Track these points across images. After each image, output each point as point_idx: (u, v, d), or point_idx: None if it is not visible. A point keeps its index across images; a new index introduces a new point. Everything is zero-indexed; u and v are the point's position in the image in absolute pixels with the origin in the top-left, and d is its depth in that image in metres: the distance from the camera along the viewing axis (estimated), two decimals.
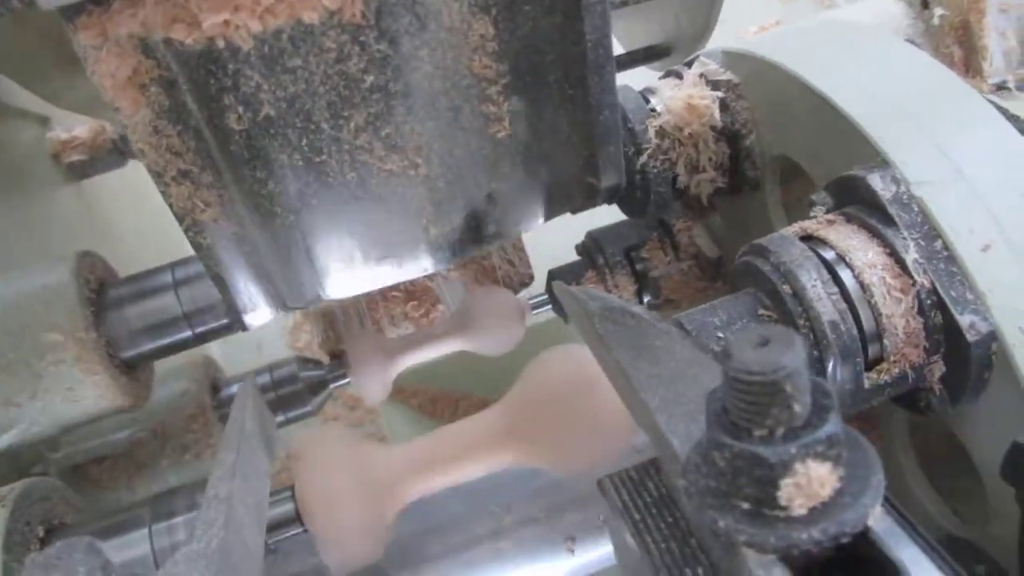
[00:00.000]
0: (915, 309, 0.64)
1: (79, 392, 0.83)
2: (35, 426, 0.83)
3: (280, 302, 0.66)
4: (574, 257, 1.06)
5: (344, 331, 1.00)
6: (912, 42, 0.99)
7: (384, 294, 1.02)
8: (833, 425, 0.34)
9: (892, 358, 0.64)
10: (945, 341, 0.64)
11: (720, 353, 0.35)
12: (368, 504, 0.64)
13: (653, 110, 0.89)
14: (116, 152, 1.30)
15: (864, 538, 0.34)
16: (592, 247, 1.02)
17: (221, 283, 0.64)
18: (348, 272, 0.63)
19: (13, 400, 0.81)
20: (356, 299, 0.98)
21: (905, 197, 0.66)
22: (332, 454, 0.66)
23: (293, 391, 1.08)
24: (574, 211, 0.69)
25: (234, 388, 1.14)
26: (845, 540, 0.34)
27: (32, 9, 0.45)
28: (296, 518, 0.65)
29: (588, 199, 0.68)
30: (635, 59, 1.06)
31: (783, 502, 0.34)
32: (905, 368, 0.65)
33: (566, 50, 0.57)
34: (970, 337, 0.61)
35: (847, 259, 0.66)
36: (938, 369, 0.65)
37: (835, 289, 0.65)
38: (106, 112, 1.18)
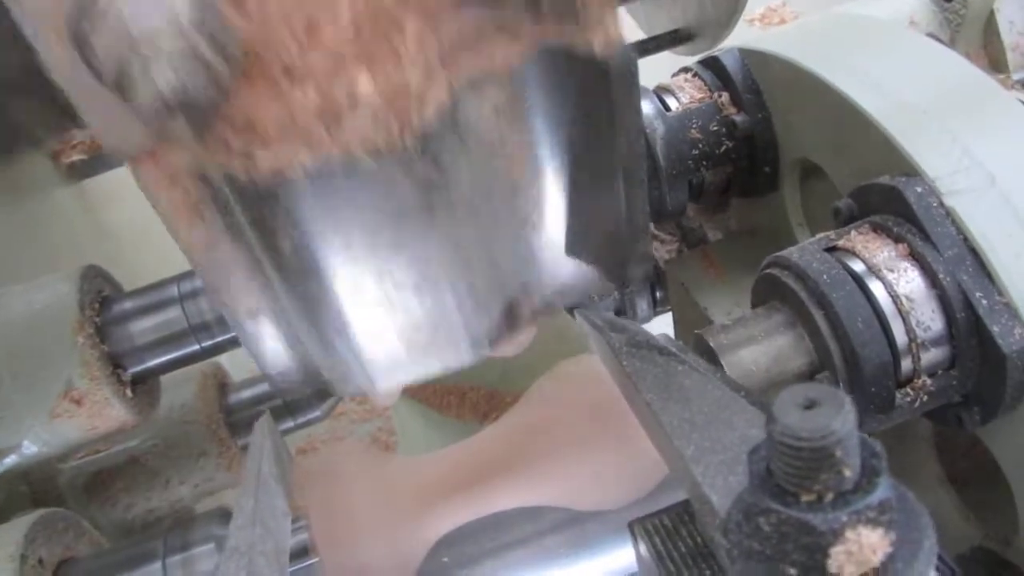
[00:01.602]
0: (948, 322, 0.62)
1: (84, 410, 0.81)
2: (42, 445, 0.82)
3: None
4: None
5: None
6: (934, 36, 0.96)
7: None
8: (885, 490, 0.32)
9: (925, 374, 0.62)
10: (979, 354, 0.61)
11: (766, 416, 0.33)
12: (391, 542, 0.62)
13: (668, 109, 0.86)
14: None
15: None
16: None
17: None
18: (390, 367, 0.64)
19: (17, 420, 0.80)
20: None
21: (935, 206, 0.63)
22: (350, 480, 0.64)
23: (302, 396, 1.07)
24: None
25: (243, 394, 1.12)
26: None
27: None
28: (310, 549, 0.64)
29: (618, 285, 0.69)
30: (659, 44, 1.03)
31: (833, 570, 0.32)
32: (938, 383, 0.63)
33: (599, 156, 0.58)
34: (1005, 349, 0.59)
35: (877, 273, 0.64)
36: (972, 383, 0.63)
37: (865, 304, 0.63)
38: None
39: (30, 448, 0.83)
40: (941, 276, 0.62)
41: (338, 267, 0.55)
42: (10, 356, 0.78)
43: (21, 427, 0.81)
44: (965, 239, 0.62)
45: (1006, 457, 0.66)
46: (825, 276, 0.64)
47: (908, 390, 0.63)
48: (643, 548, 0.44)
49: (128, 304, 0.85)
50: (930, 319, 0.62)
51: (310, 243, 0.52)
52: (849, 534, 0.32)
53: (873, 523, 0.32)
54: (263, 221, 0.51)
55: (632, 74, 0.53)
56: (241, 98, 0.43)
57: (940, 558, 0.34)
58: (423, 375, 0.65)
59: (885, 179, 0.66)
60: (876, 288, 0.63)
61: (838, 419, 0.31)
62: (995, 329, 0.60)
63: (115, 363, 0.83)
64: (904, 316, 0.62)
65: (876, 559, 0.32)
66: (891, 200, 0.66)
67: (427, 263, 0.56)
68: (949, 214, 0.63)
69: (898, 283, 0.63)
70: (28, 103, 0.49)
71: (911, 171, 0.66)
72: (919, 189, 0.64)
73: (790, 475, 0.32)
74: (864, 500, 0.32)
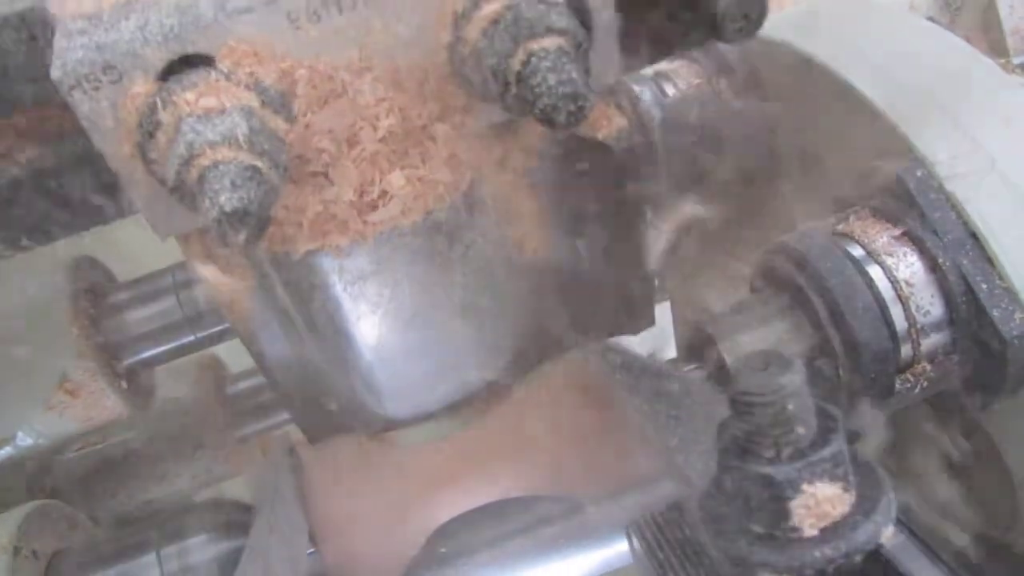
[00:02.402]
0: (948, 307, 0.61)
1: (79, 402, 0.81)
2: (36, 437, 0.81)
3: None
4: None
5: None
6: (933, 20, 0.95)
7: None
8: (837, 445, 0.34)
9: (925, 359, 0.62)
10: (979, 339, 0.61)
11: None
12: (389, 531, 0.62)
13: (666, 95, 0.86)
14: None
15: (877, 556, 0.34)
16: None
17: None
18: (410, 401, 0.67)
19: (11, 412, 0.80)
20: None
21: (935, 190, 0.63)
22: (347, 472, 0.64)
23: None
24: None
25: (240, 386, 1.12)
26: (858, 558, 0.33)
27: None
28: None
29: (618, 332, 0.72)
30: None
31: (795, 523, 0.34)
32: (938, 369, 0.62)
33: (604, 224, 0.64)
34: (1006, 334, 0.58)
35: (877, 258, 0.63)
36: (972, 368, 0.62)
37: (865, 289, 0.62)
38: None
39: (24, 440, 0.82)
40: (941, 261, 0.61)
41: (364, 321, 0.58)
42: (3, 348, 0.78)
43: (15, 419, 0.81)
44: (965, 224, 0.61)
45: (1007, 443, 0.66)
46: (824, 261, 0.63)
47: (908, 376, 0.63)
48: (636, 543, 0.45)
49: (122, 295, 0.85)
50: (930, 304, 0.62)
51: (338, 304, 0.56)
52: (806, 487, 0.34)
53: (829, 476, 0.34)
54: (297, 287, 0.55)
55: (636, 159, 0.60)
56: (284, 195, 0.47)
57: (900, 520, 0.36)
58: (435, 408, 0.68)
59: (884, 162, 0.65)
60: (875, 273, 0.63)
61: (787, 376, 0.34)
62: (995, 314, 0.59)
63: (110, 354, 0.83)
64: (904, 301, 0.62)
65: (835, 512, 0.34)
66: (891, 185, 0.65)
67: (446, 314, 0.60)
68: (949, 199, 0.62)
69: (897, 268, 0.62)
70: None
71: (911, 156, 0.65)
72: (919, 173, 0.63)
73: (750, 433, 0.35)
74: (819, 454, 0.34)
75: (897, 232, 0.64)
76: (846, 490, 0.35)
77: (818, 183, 0.84)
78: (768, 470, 0.34)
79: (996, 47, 0.99)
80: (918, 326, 0.62)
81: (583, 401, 0.66)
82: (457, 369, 0.64)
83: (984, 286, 0.60)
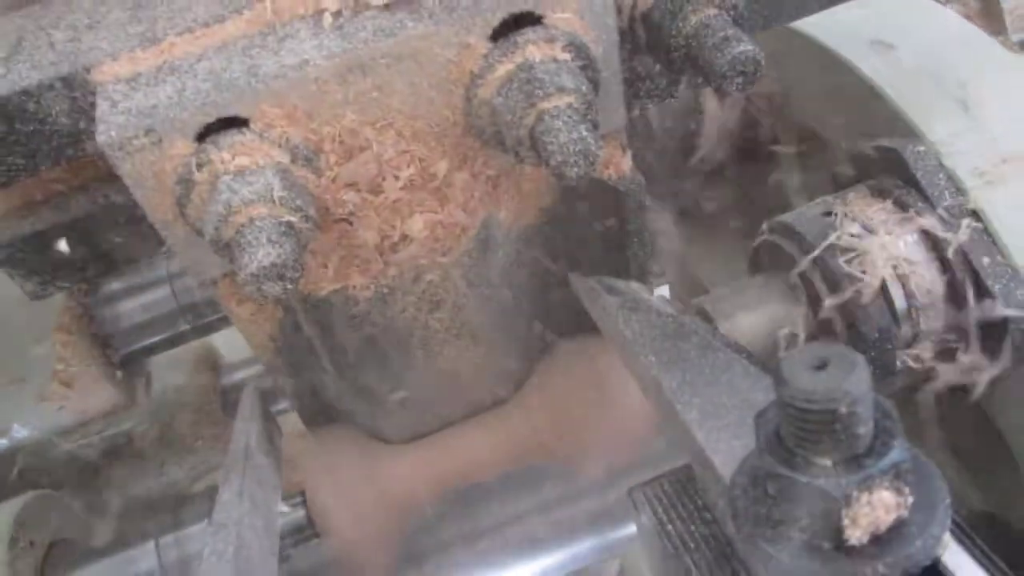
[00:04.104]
0: (948, 283, 0.61)
1: (74, 392, 0.80)
2: (32, 429, 0.80)
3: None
4: None
5: None
6: None
7: None
8: (899, 452, 0.31)
9: (926, 338, 0.62)
10: (981, 315, 0.60)
11: (774, 377, 0.32)
12: (386, 513, 0.61)
13: None
14: None
15: (934, 571, 0.32)
16: None
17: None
18: (420, 425, 0.69)
19: (6, 403, 0.79)
20: None
21: (935, 167, 0.62)
22: (346, 460, 0.63)
23: None
24: None
25: (236, 375, 1.11)
26: (912, 570, 0.31)
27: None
28: (307, 525, 0.63)
29: None
30: None
31: (845, 537, 0.31)
32: (939, 347, 0.62)
33: (612, 259, 0.66)
34: (1006, 310, 0.58)
35: (876, 235, 0.62)
36: (974, 346, 0.62)
37: (863, 269, 0.62)
38: None
39: (20, 432, 0.81)
40: (940, 237, 0.61)
41: (382, 355, 0.62)
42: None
43: (10, 411, 0.80)
44: (965, 200, 0.61)
45: (1008, 423, 0.66)
46: (823, 241, 0.63)
47: (909, 354, 0.62)
48: (644, 517, 0.44)
49: (116, 285, 0.84)
50: (930, 282, 0.61)
51: (362, 340, 0.59)
52: (863, 497, 0.31)
53: (887, 487, 0.31)
54: (322, 323, 0.58)
55: (640, 194, 0.61)
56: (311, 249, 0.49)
57: (956, 523, 0.33)
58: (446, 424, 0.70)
59: (884, 141, 0.65)
60: (875, 248, 0.62)
61: (851, 379, 0.30)
62: (996, 289, 0.59)
63: (104, 344, 0.82)
64: (903, 280, 0.61)
65: (888, 521, 0.31)
66: (890, 162, 0.64)
67: (460, 339, 0.62)
68: (949, 176, 0.62)
69: (897, 246, 0.62)
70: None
71: (910, 133, 0.65)
72: (917, 149, 0.63)
73: (800, 438, 0.31)
74: (878, 464, 0.31)
75: (895, 209, 0.63)
76: (904, 498, 0.32)
77: (817, 162, 0.84)
78: (821, 482, 0.31)
79: (994, 26, 0.98)
80: (919, 304, 0.61)
81: (586, 392, 0.66)
82: (469, 394, 0.67)
83: (985, 261, 0.60)
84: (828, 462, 0.31)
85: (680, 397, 0.42)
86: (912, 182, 0.63)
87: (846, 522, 0.31)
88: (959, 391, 0.65)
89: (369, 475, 0.63)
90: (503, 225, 0.58)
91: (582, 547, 0.74)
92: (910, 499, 0.32)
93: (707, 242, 0.94)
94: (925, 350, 0.62)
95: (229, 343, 1.26)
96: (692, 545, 0.41)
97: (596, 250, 0.64)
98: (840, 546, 0.32)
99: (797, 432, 0.31)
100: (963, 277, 0.60)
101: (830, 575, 0.31)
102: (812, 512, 0.32)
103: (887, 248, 0.62)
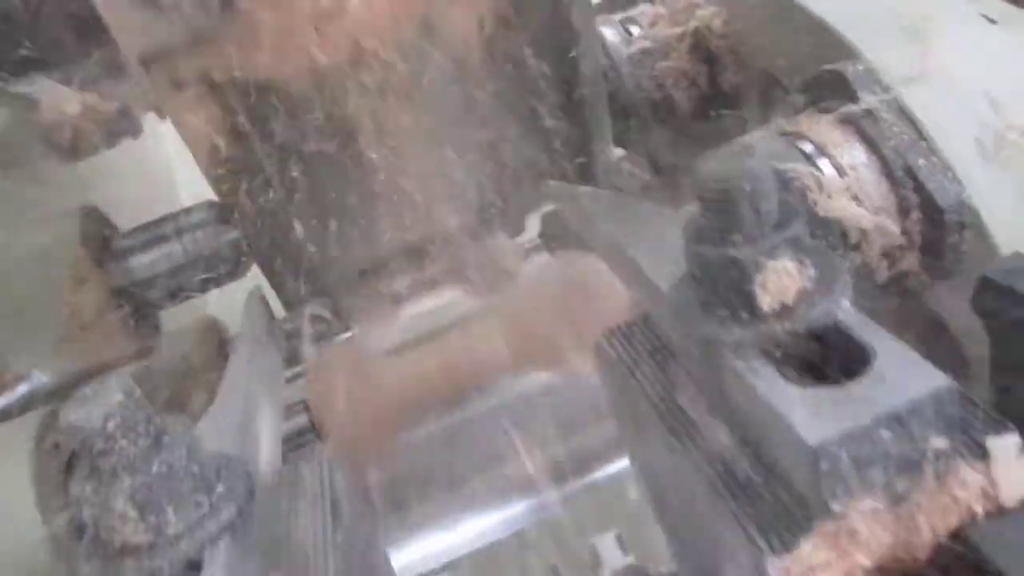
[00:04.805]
0: (891, 188, 0.67)
1: (90, 341, 0.85)
2: (51, 376, 0.85)
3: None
4: None
5: None
6: None
7: None
8: (799, 226, 0.37)
9: (871, 237, 0.67)
10: (921, 213, 0.66)
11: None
12: (382, 412, 0.66)
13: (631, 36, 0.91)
14: (110, 131, 1.32)
15: (836, 330, 0.37)
16: None
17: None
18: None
19: (26, 352, 0.84)
20: None
21: (874, 82, 0.68)
22: (344, 363, 0.68)
23: (299, 345, 1.10)
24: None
25: None
26: (817, 330, 0.36)
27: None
28: (309, 428, 0.68)
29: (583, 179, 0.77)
30: None
31: (757, 302, 0.37)
32: (885, 246, 0.67)
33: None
34: (942, 203, 0.63)
35: (824, 149, 0.68)
36: (918, 243, 0.67)
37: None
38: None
39: (40, 379, 0.86)
40: (881, 145, 0.66)
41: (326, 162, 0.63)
42: (17, 291, 0.82)
43: (30, 358, 0.85)
44: (902, 110, 0.67)
45: (955, 320, 0.71)
46: (780, 156, 0.68)
47: (858, 255, 0.67)
48: (603, 355, 0.49)
49: (127, 240, 0.90)
50: (874, 186, 0.67)
51: (303, 136, 0.60)
52: (769, 264, 0.36)
53: (789, 256, 0.37)
54: (263, 119, 0.59)
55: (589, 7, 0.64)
56: (244, 10, 0.51)
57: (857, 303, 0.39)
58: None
59: (829, 66, 0.71)
60: (824, 164, 0.68)
61: (751, 161, 0.36)
62: (931, 186, 0.64)
63: (118, 295, 0.87)
64: (848, 186, 0.67)
65: (794, 288, 0.37)
66: (837, 85, 0.70)
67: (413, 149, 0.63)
68: (887, 89, 0.68)
69: (842, 156, 0.67)
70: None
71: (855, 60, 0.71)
72: (859, 68, 0.69)
73: (714, 221, 0.37)
74: (781, 235, 0.37)
75: (843, 126, 0.69)
76: (804, 269, 0.37)
77: (778, 105, 0.90)
78: (731, 251, 0.37)
79: None
80: (864, 207, 0.67)
81: (567, 297, 0.71)
82: (432, 215, 0.69)
83: (922, 162, 0.65)
84: (739, 238, 0.37)
85: (632, 246, 0.48)
86: (854, 99, 0.69)
87: (757, 289, 0.36)
88: (912, 297, 0.70)
89: (366, 379, 0.68)
90: (448, 21, 0.59)
91: (569, 488, 0.79)
92: (812, 271, 0.37)
93: (677, 195, 1.00)
94: (873, 251, 0.68)
95: (234, 315, 1.32)
96: (646, 368, 0.46)
97: (550, 83, 0.66)
98: (756, 314, 0.37)
99: (713, 217, 0.37)
100: (902, 177, 0.66)
101: (750, 337, 0.37)
102: (730, 284, 0.37)
103: (833, 159, 0.68)
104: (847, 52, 0.71)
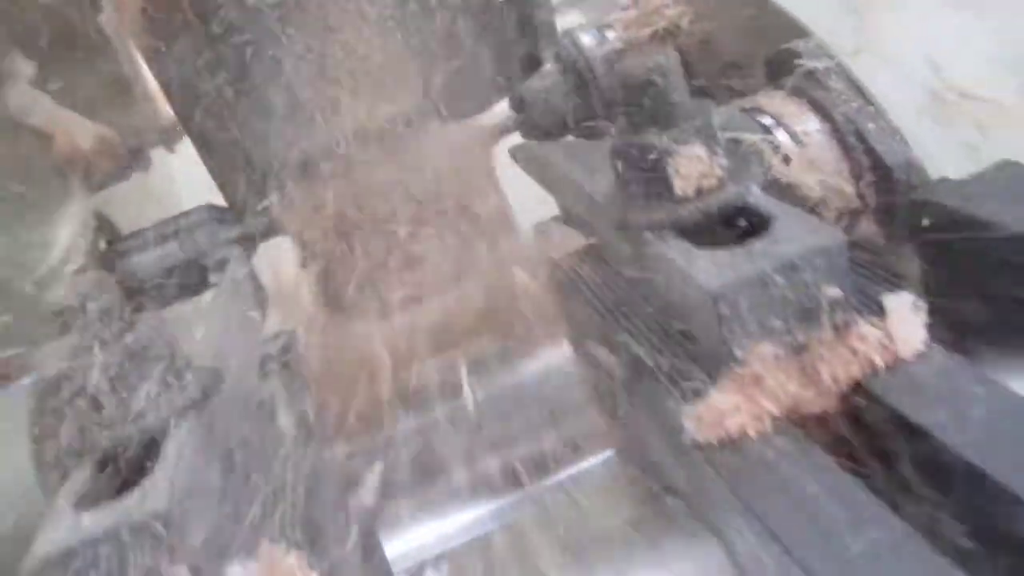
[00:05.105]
0: (844, 153, 0.70)
1: None
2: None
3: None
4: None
5: None
6: None
7: None
8: (707, 119, 0.41)
9: (828, 199, 0.70)
10: (873, 175, 0.69)
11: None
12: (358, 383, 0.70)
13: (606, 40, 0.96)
14: (125, 165, 1.39)
15: (747, 212, 0.40)
16: None
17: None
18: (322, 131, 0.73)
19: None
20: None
21: (825, 57, 0.72)
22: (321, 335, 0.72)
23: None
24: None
25: None
26: (728, 212, 0.40)
27: None
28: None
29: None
30: None
31: (671, 184, 0.40)
32: (841, 208, 0.70)
33: None
34: (890, 161, 0.67)
35: (780, 120, 0.72)
36: (872, 204, 0.70)
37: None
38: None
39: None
40: (832, 113, 0.70)
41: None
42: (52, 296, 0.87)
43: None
44: (850, 77, 0.71)
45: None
46: (741, 129, 0.72)
47: (816, 214, 0.71)
48: (561, 276, 0.52)
49: (129, 241, 0.95)
50: (828, 151, 0.70)
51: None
52: (681, 149, 0.40)
53: (701, 143, 0.40)
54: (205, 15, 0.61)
55: None
56: None
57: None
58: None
59: (784, 46, 0.75)
60: (780, 135, 0.72)
61: (660, 55, 0.40)
62: (881, 148, 0.68)
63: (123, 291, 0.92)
64: (803, 152, 0.70)
65: (707, 176, 0.40)
66: (791, 62, 0.74)
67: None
68: (837, 62, 0.72)
69: (797, 125, 0.71)
70: None
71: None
72: (810, 44, 0.73)
73: (633, 111, 0.41)
74: (692, 124, 0.40)
75: (798, 99, 0.73)
76: (715, 157, 0.41)
77: (743, 91, 0.94)
78: (651, 139, 0.41)
79: None
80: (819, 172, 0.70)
81: None
82: (369, 97, 0.70)
83: (871, 126, 0.69)
84: (655, 129, 0.41)
85: (576, 172, 0.52)
86: (810, 76, 0.73)
87: (670, 171, 0.40)
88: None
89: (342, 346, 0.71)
90: None
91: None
92: (723, 161, 0.41)
93: None
94: (829, 212, 0.71)
95: None
96: (593, 284, 0.50)
97: None
98: (671, 197, 0.41)
99: (630, 111, 0.41)
100: (853, 141, 0.69)
101: (667, 218, 0.40)
102: (649, 170, 0.41)
103: (788, 128, 0.71)
104: (799, 32, 0.76)
